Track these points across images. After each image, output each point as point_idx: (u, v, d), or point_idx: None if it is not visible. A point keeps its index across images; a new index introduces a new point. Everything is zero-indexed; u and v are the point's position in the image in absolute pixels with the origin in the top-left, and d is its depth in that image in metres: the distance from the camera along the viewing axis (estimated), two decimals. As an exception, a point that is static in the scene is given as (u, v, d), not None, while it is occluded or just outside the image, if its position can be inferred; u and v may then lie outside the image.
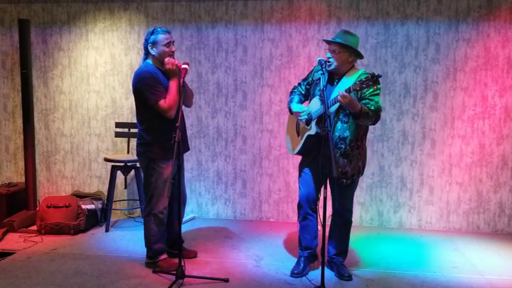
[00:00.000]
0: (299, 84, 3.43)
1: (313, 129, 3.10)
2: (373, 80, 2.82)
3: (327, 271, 3.28)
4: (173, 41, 3.32)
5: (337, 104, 2.98)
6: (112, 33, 4.79)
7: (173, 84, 3.23)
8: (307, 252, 3.35)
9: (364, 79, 2.84)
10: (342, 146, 3.11)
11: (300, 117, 3.22)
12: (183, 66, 3.24)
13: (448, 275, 3.37)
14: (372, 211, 4.58)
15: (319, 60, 3.12)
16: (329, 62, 3.12)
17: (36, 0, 4.84)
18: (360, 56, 3.16)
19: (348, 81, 3.07)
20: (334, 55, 3.10)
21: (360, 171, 3.24)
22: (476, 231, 4.45)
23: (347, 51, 3.09)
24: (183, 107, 3.49)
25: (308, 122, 3.17)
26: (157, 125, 3.28)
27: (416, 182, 4.50)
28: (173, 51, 3.30)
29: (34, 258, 3.61)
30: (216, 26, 4.64)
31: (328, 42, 3.17)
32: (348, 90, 2.88)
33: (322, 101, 2.98)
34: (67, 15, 4.83)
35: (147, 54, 3.33)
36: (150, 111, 3.26)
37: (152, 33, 3.26)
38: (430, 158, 4.46)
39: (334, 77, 3.19)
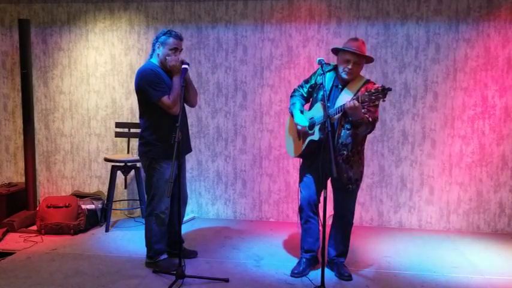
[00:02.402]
0: (300, 86, 3.39)
1: (316, 135, 3.09)
2: (383, 93, 2.76)
3: (327, 271, 3.29)
4: (181, 49, 3.32)
5: (342, 112, 2.98)
6: (112, 33, 4.79)
7: (177, 81, 3.23)
8: (309, 254, 3.36)
9: (374, 91, 2.79)
10: (344, 152, 3.11)
11: (304, 130, 3.20)
12: (184, 66, 3.24)
13: (448, 275, 3.37)
14: (372, 211, 4.58)
15: (319, 60, 3.10)
16: (349, 70, 3.08)
17: (36, 0, 4.84)
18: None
19: (352, 89, 3.07)
20: (353, 66, 3.06)
21: (362, 176, 3.27)
22: (476, 231, 4.45)
23: (363, 62, 3.11)
24: (187, 106, 3.50)
25: (311, 126, 3.17)
26: (159, 125, 3.28)
27: (416, 182, 4.50)
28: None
29: (34, 258, 3.61)
30: (216, 26, 4.64)
31: (350, 52, 3.06)
32: (357, 99, 2.86)
33: (325, 106, 2.96)
34: (67, 15, 4.83)
35: (153, 51, 3.33)
36: (152, 111, 3.26)
37: (165, 33, 3.26)
38: (430, 158, 4.46)
39: (339, 82, 3.18)
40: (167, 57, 3.23)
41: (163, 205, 3.34)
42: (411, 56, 4.41)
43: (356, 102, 2.85)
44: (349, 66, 3.06)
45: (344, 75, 3.10)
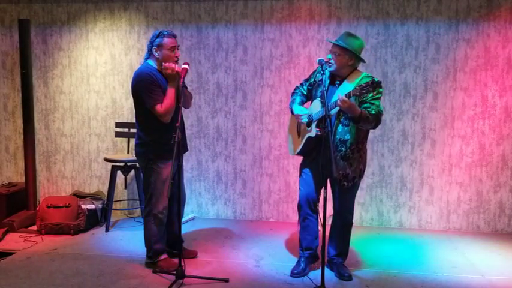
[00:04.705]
0: (301, 84, 3.41)
1: (313, 131, 3.10)
2: (373, 86, 2.82)
3: (327, 271, 3.28)
4: (178, 46, 3.31)
5: (338, 107, 2.97)
6: (112, 33, 4.79)
7: (171, 89, 3.22)
8: (307, 252, 3.35)
9: (364, 84, 2.83)
10: (343, 149, 3.10)
11: (300, 120, 3.22)
12: (183, 66, 3.24)
13: (448, 275, 3.38)
14: (372, 211, 4.58)
15: (319, 60, 3.11)
16: (329, 63, 3.12)
17: (36, 0, 4.84)
18: (362, 61, 3.15)
19: (349, 85, 3.05)
20: (334, 57, 3.10)
21: (361, 174, 3.24)
22: (476, 231, 4.45)
23: (347, 54, 3.06)
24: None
25: (309, 123, 3.17)
26: (156, 126, 3.27)
27: (416, 182, 4.50)
28: (177, 57, 3.29)
29: (34, 258, 3.61)
30: (216, 26, 4.64)
31: (330, 42, 3.17)
32: (348, 95, 2.87)
33: (323, 103, 2.97)
34: (67, 15, 4.83)
35: (149, 54, 3.32)
36: (148, 112, 3.26)
37: (158, 35, 3.23)
38: (430, 158, 4.46)
39: (335, 79, 3.19)
40: (163, 64, 3.20)
41: (161, 205, 3.33)
42: (411, 56, 4.41)
43: (344, 97, 2.86)
44: (329, 57, 3.12)
45: (329, 67, 3.13)
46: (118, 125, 4.73)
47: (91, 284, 3.13)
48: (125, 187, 4.69)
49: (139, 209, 4.63)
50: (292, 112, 3.34)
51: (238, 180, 4.75)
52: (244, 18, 4.60)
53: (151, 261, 3.41)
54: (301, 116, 3.20)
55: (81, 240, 4.05)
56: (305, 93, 3.37)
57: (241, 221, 4.69)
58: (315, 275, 3.23)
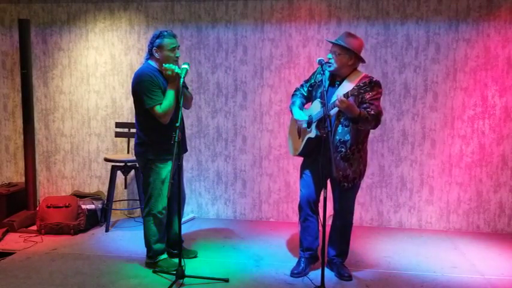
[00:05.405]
0: (301, 85, 3.41)
1: (313, 132, 3.10)
2: (371, 85, 2.83)
3: (327, 271, 3.28)
4: (178, 46, 3.31)
5: (337, 108, 2.97)
6: (112, 33, 4.79)
7: (170, 91, 3.22)
8: (308, 253, 3.35)
9: (362, 84, 2.83)
10: (343, 149, 3.10)
11: (301, 125, 3.22)
12: (183, 66, 3.24)
13: (448, 275, 3.38)
14: (372, 211, 4.58)
15: (319, 60, 3.11)
16: (329, 63, 3.12)
17: (36, 0, 4.84)
18: (362, 60, 3.15)
19: (349, 85, 3.05)
20: (334, 56, 3.09)
21: (362, 175, 3.23)
22: (476, 231, 4.45)
23: (347, 54, 3.06)
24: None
25: (309, 124, 3.17)
26: (155, 126, 3.27)
27: (416, 182, 4.50)
28: (177, 57, 3.29)
29: (34, 258, 3.61)
30: (216, 26, 4.64)
31: (330, 42, 3.17)
32: (346, 95, 2.87)
33: (323, 103, 2.97)
34: (67, 15, 4.83)
35: (150, 55, 3.31)
36: (148, 112, 3.26)
37: (158, 36, 3.22)
38: (430, 158, 4.46)
39: (335, 79, 3.18)
40: (163, 65, 3.20)
41: (161, 205, 3.33)
42: (411, 56, 4.41)
43: (343, 97, 2.86)
44: (329, 57, 3.11)
45: (329, 67, 3.12)
46: (118, 125, 4.73)
47: (91, 284, 3.13)
48: (125, 187, 4.69)
49: (139, 209, 4.63)
50: (292, 114, 3.34)
51: (238, 180, 4.75)
52: (244, 18, 4.60)
53: (151, 261, 3.41)
54: (301, 121, 3.20)
55: (81, 240, 4.05)
56: (305, 94, 3.36)
57: (241, 221, 4.69)
58: (315, 275, 3.23)
